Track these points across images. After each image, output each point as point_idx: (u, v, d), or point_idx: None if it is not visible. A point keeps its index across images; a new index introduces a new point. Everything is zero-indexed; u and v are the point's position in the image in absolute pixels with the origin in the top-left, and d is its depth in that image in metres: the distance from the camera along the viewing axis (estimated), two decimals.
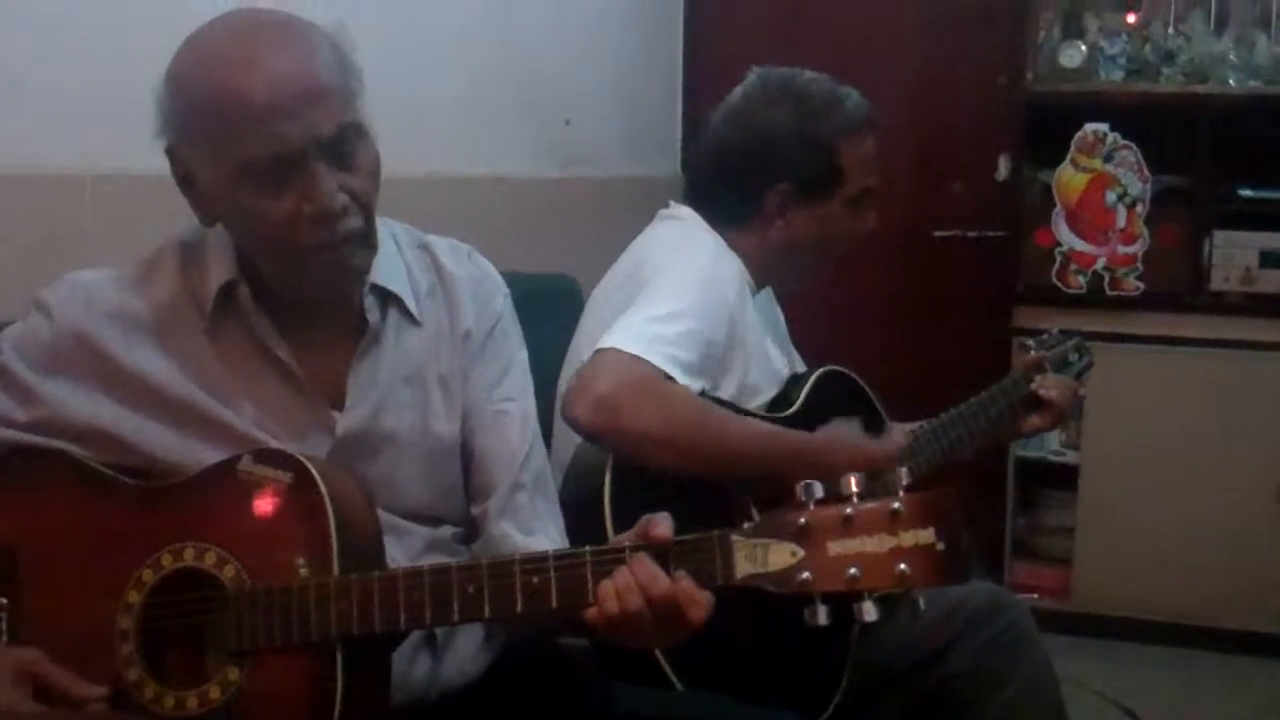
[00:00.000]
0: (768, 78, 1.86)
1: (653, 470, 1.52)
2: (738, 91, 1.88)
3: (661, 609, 1.11)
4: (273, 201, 1.19)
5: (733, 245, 1.82)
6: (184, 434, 1.27)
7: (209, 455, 1.24)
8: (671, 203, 1.93)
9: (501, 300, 1.42)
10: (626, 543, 1.15)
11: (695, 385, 1.60)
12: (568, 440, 1.65)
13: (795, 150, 1.80)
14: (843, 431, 1.71)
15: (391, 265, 1.34)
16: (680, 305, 1.64)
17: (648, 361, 1.54)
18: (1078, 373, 2.15)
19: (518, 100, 2.95)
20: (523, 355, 1.44)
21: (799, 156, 1.80)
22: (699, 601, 1.12)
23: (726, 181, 1.84)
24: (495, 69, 2.86)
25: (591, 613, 1.13)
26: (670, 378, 1.55)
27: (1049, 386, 1.99)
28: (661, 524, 1.15)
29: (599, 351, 1.57)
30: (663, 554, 1.13)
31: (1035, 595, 3.41)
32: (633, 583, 1.12)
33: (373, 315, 1.32)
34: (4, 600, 1.24)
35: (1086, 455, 3.44)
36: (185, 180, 1.26)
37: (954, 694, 1.74)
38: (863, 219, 1.88)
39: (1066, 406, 2.00)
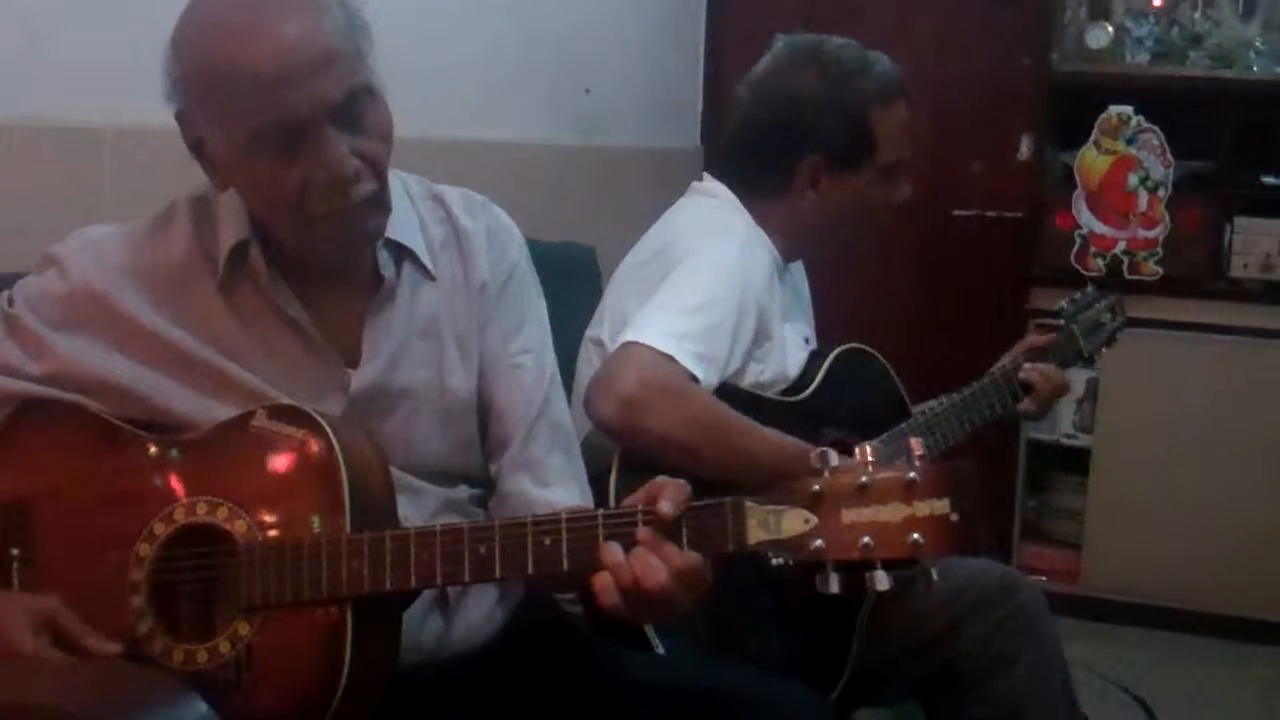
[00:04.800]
0: (794, 45, 1.82)
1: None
2: (764, 61, 1.83)
3: (675, 584, 1.09)
4: (284, 170, 1.18)
5: (763, 219, 1.79)
6: (199, 390, 1.27)
7: (224, 412, 1.24)
8: (706, 175, 1.88)
9: (516, 249, 1.40)
10: (639, 506, 1.12)
11: (717, 379, 1.58)
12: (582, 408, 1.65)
13: (825, 119, 1.75)
14: None
15: (405, 219, 1.33)
16: (709, 296, 1.62)
17: (675, 361, 1.52)
18: (1111, 334, 2.10)
19: (537, 66, 2.93)
20: (540, 305, 1.42)
21: (829, 126, 1.75)
22: (703, 581, 1.10)
23: (756, 155, 1.80)
24: (515, 33, 2.84)
25: (598, 582, 1.10)
26: (695, 378, 1.54)
27: (1031, 372, 1.94)
28: (669, 499, 1.10)
29: (626, 345, 1.55)
30: (674, 527, 1.10)
31: (1044, 578, 3.39)
32: (652, 559, 1.08)
33: (387, 271, 1.31)
34: (15, 551, 1.24)
35: (1099, 439, 3.43)
36: (196, 146, 1.24)
37: (962, 672, 1.73)
38: (897, 190, 1.83)
39: (1047, 394, 1.96)
